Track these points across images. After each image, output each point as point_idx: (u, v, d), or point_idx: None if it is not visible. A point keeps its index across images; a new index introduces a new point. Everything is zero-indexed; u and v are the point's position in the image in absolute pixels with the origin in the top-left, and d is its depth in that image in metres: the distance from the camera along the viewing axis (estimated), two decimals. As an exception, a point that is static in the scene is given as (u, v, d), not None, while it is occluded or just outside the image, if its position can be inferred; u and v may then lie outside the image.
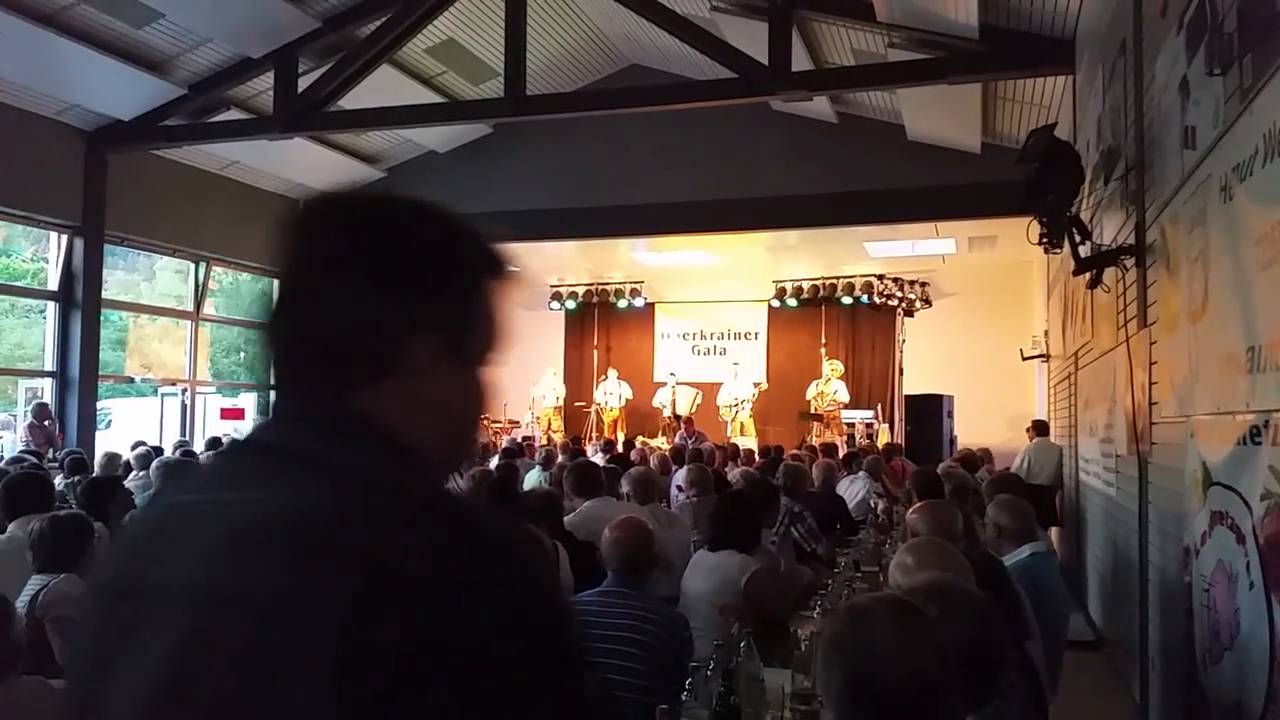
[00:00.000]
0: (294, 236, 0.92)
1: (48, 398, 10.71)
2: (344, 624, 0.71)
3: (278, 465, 0.85)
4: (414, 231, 0.91)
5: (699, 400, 15.38)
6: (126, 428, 12.37)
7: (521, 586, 0.79)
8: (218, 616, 0.76)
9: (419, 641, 0.72)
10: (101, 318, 11.15)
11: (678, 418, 15.04)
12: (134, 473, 7.50)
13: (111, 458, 7.74)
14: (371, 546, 0.75)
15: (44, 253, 11.34)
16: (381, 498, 0.80)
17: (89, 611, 0.90)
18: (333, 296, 0.88)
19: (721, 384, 15.27)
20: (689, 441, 12.07)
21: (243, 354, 15.35)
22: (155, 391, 12.89)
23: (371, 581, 0.73)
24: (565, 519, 5.11)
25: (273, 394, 0.94)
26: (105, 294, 11.23)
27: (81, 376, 10.69)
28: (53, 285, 10.85)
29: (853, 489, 7.94)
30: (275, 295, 0.92)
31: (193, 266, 12.83)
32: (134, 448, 8.62)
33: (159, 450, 8.68)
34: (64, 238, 10.84)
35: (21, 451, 8.75)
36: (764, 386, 15.14)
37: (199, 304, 12.91)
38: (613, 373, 16.07)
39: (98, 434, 11.02)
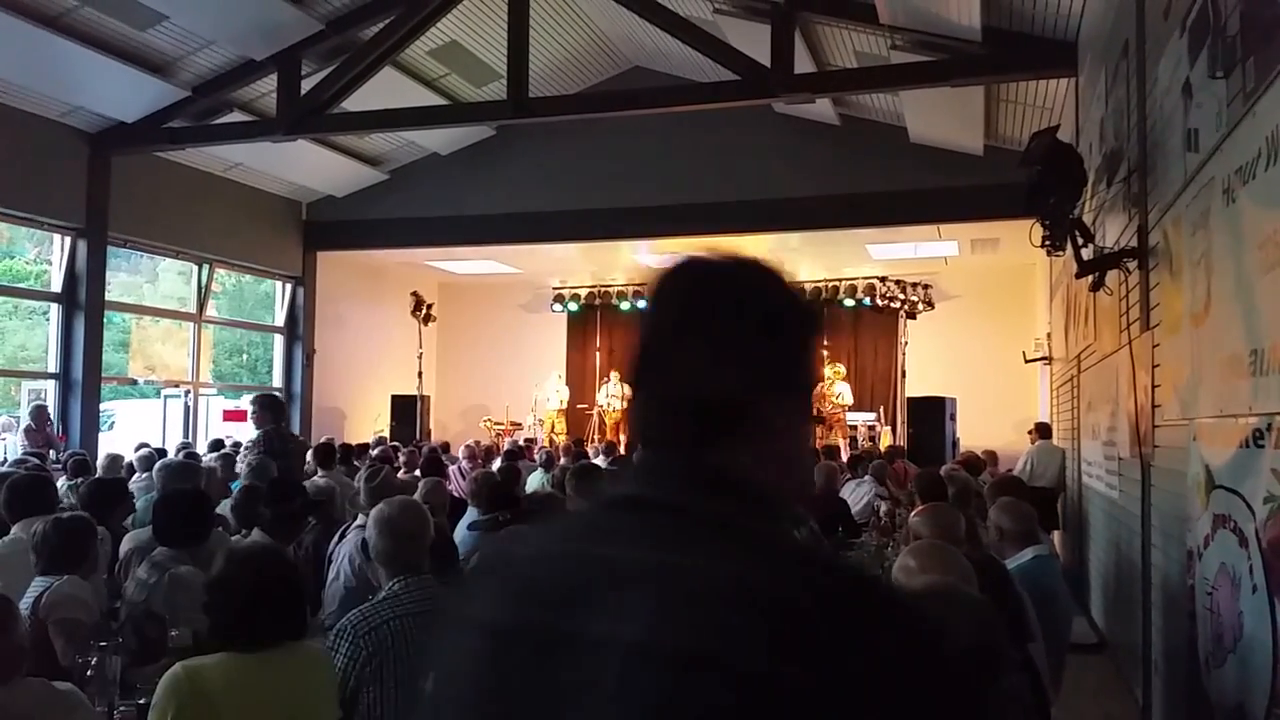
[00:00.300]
0: (661, 299, 1.00)
1: (51, 399, 10.72)
2: (821, 701, 0.75)
3: (669, 523, 0.89)
4: (766, 295, 0.98)
5: None
6: (129, 429, 12.39)
7: (928, 638, 0.84)
8: (691, 680, 0.76)
9: None
10: (104, 319, 11.16)
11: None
12: (136, 474, 7.51)
13: (114, 459, 7.74)
14: (838, 627, 0.79)
15: (47, 255, 11.36)
16: (812, 569, 0.85)
17: (467, 650, 0.91)
18: (698, 358, 0.94)
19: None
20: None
21: (245, 356, 15.38)
22: (158, 393, 12.91)
23: (842, 667, 0.77)
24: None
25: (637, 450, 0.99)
26: (108, 296, 11.24)
27: (84, 378, 10.70)
28: (56, 287, 10.87)
29: (858, 493, 7.93)
30: (637, 355, 0.99)
31: (195, 268, 12.85)
32: (137, 449, 8.64)
33: (162, 452, 8.69)
34: (67, 239, 10.86)
35: (25, 453, 8.76)
36: None
37: (202, 306, 12.93)
38: (615, 375, 16.06)
39: (100, 436, 11.03)
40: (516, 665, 0.85)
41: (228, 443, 10.15)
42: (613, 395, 15.78)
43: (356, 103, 10.09)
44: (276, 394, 7.67)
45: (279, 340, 14.28)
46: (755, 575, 0.81)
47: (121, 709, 2.70)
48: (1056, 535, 9.05)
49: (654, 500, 0.91)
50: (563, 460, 8.81)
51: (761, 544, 0.87)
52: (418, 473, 7.59)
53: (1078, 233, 5.47)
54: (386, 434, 13.37)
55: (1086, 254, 5.52)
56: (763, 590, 0.80)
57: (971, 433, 12.76)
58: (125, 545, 4.47)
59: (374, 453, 9.57)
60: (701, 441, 0.92)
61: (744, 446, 0.93)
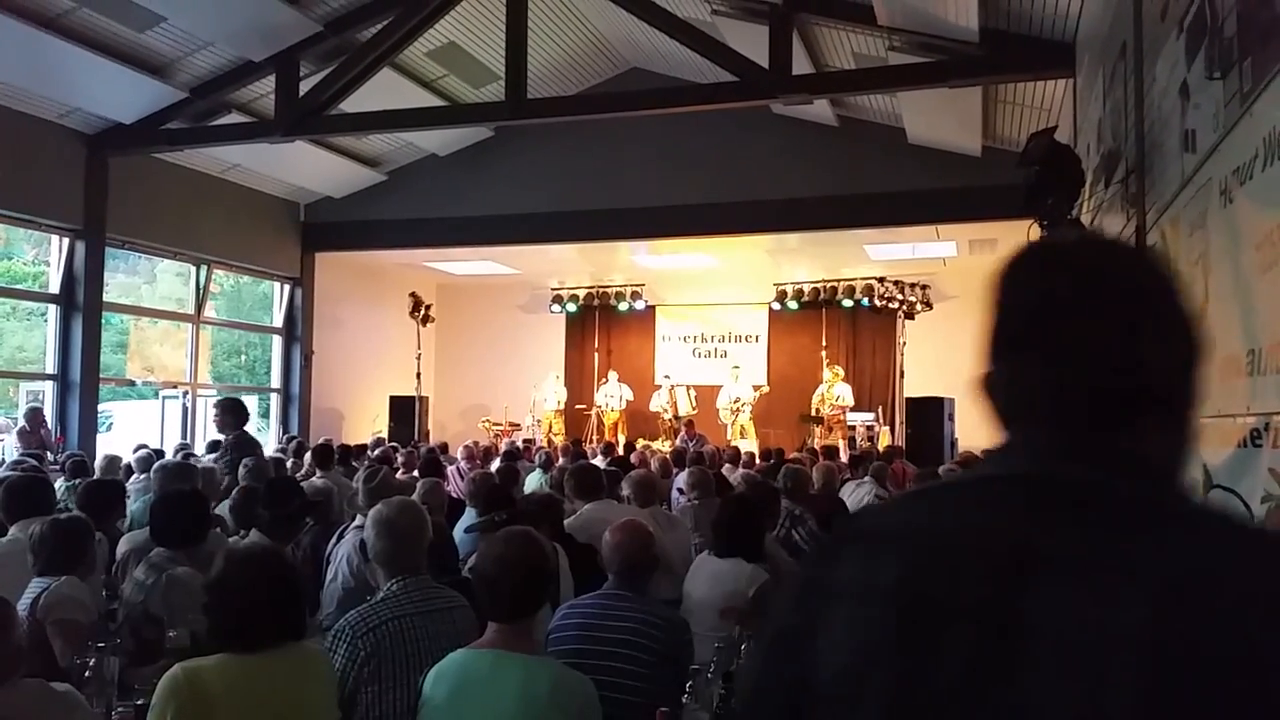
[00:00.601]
0: (1048, 274, 0.98)
1: (48, 401, 10.71)
2: None
3: (1100, 504, 0.86)
4: (1167, 275, 0.97)
5: (694, 399, 15.37)
6: (127, 431, 12.38)
7: None
8: (1212, 679, 0.75)
9: None
10: (102, 321, 11.16)
11: (678, 419, 15.05)
12: (134, 476, 7.50)
13: (112, 460, 7.73)
14: None
15: (45, 256, 11.35)
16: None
17: (879, 621, 0.88)
18: (1117, 337, 0.91)
19: (721, 386, 15.27)
20: (690, 444, 12.06)
21: (243, 357, 15.37)
22: (156, 394, 12.90)
23: None
24: (566, 521, 5.11)
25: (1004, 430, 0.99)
26: (106, 297, 11.23)
27: (82, 379, 10.70)
28: (54, 288, 10.86)
29: (857, 494, 7.92)
30: (1018, 330, 0.97)
31: (194, 269, 12.84)
32: (135, 451, 8.63)
33: (160, 453, 8.68)
34: (65, 241, 10.85)
35: (22, 454, 8.75)
36: (765, 389, 15.13)
37: (200, 307, 12.92)
38: (613, 375, 16.07)
39: (99, 437, 11.02)
40: (955, 640, 0.83)
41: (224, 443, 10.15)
42: (611, 395, 15.79)
43: (355, 104, 10.09)
44: (239, 398, 7.64)
45: (277, 341, 14.27)
46: (1253, 565, 0.80)
47: (119, 710, 2.70)
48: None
49: (1067, 480, 0.88)
50: (561, 461, 8.80)
51: (1229, 529, 0.86)
52: (416, 473, 7.59)
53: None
54: (385, 435, 13.36)
55: (1084, 254, 5.52)
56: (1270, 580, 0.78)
57: (970, 433, 12.76)
58: (123, 546, 4.47)
59: (373, 454, 9.57)
60: (1108, 423, 0.89)
61: (1155, 428, 0.90)
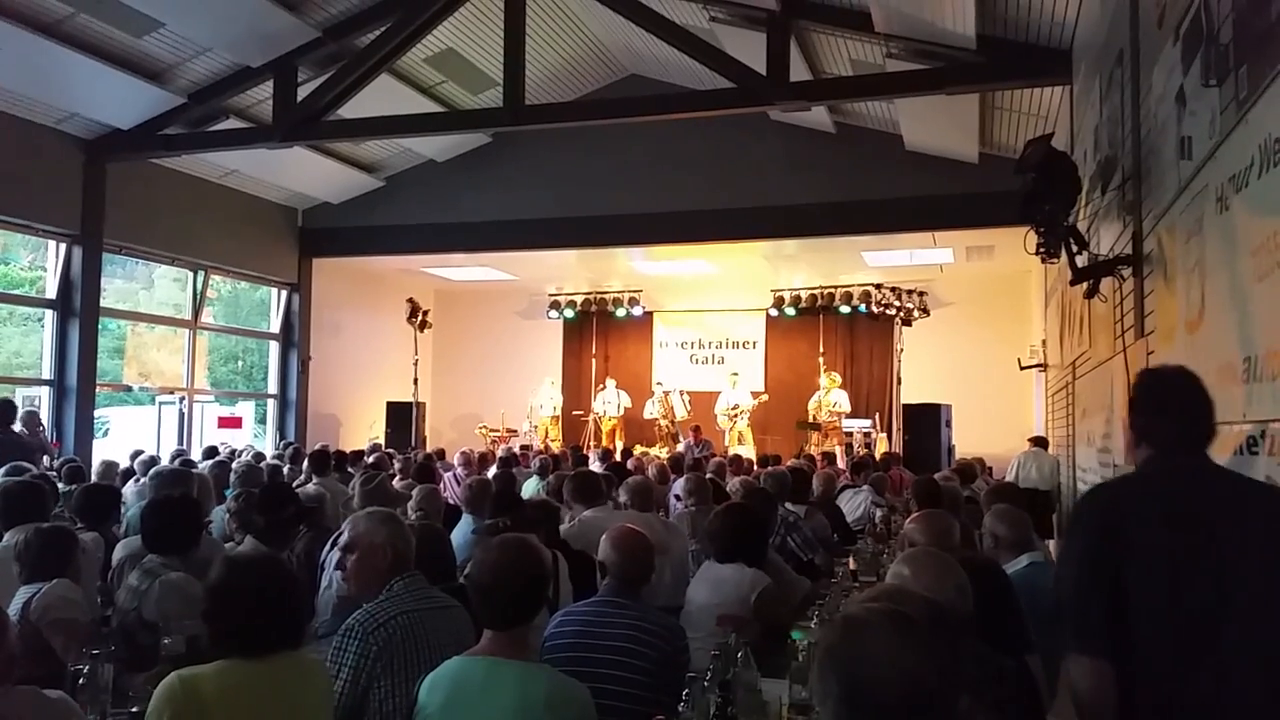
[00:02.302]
0: (1174, 395, 2.45)
1: (45, 406, 10.69)
2: None
3: (1224, 475, 2.34)
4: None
5: (689, 403, 15.37)
6: (124, 436, 12.35)
7: None
8: None
9: None
10: (99, 326, 11.14)
11: (674, 424, 15.04)
12: (131, 481, 7.48)
13: (109, 466, 7.71)
14: None
15: (42, 261, 11.34)
16: None
17: (1163, 532, 2.13)
18: (1204, 414, 2.31)
19: (720, 392, 15.27)
20: (696, 451, 12.05)
21: (240, 362, 15.36)
22: (153, 400, 12.87)
23: None
24: (565, 527, 5.11)
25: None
26: (103, 302, 11.22)
27: (79, 385, 10.68)
28: (51, 293, 10.85)
29: (854, 501, 7.92)
30: (1171, 413, 2.36)
31: (191, 275, 12.83)
32: (133, 457, 8.60)
33: (155, 459, 8.66)
34: (62, 246, 10.84)
35: (20, 460, 8.71)
36: (765, 397, 15.13)
37: (197, 312, 12.91)
38: (611, 382, 16.07)
39: (95, 443, 11.00)
40: (1191, 540, 2.08)
41: (223, 449, 10.13)
42: (608, 402, 15.78)
43: (353, 110, 10.09)
44: (8, 397, 7.55)
45: (274, 347, 14.26)
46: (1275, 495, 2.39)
47: (114, 717, 2.69)
48: (1052, 543, 9.03)
49: (1196, 467, 2.22)
50: (560, 467, 8.79)
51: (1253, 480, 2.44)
52: (412, 480, 7.58)
53: (1072, 240, 5.47)
54: (381, 441, 13.34)
55: (1081, 261, 5.53)
56: None
57: (967, 439, 12.77)
58: (118, 552, 4.45)
59: (369, 460, 9.55)
60: (1200, 449, 2.24)
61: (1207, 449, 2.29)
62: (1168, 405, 2.25)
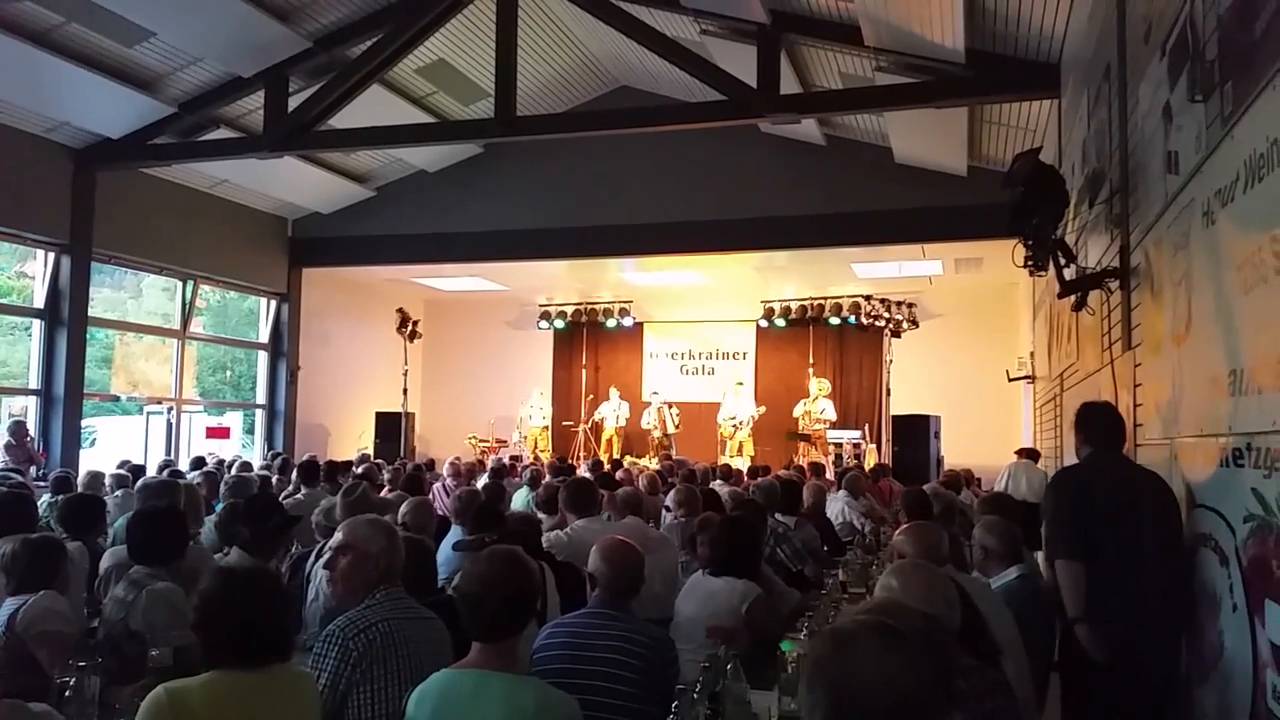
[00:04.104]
0: None
1: (32, 416, 10.63)
2: None
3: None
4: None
5: (678, 418, 15.36)
6: (111, 446, 12.28)
7: None
8: None
9: None
10: (87, 335, 11.09)
11: (667, 436, 15.04)
12: (114, 491, 7.42)
13: (95, 476, 7.66)
14: None
15: (30, 270, 11.29)
16: None
17: (1129, 489, 3.64)
18: (1120, 435, 4.03)
19: (720, 403, 15.27)
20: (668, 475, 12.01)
21: (229, 372, 15.30)
22: (141, 410, 12.81)
23: None
24: (558, 534, 5.11)
25: None
26: (91, 312, 11.18)
27: (66, 395, 10.63)
28: (39, 303, 10.80)
29: (834, 506, 7.87)
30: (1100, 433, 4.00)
31: (180, 285, 12.80)
32: (119, 467, 8.56)
33: (142, 469, 8.61)
34: (51, 255, 10.80)
35: (5, 469, 8.67)
36: (763, 410, 15.16)
37: (186, 322, 12.87)
38: (614, 391, 16.04)
39: (82, 452, 10.94)
40: (1125, 498, 3.57)
41: (210, 460, 10.08)
42: (615, 412, 15.74)
43: (344, 120, 10.10)
44: None
45: (263, 357, 14.22)
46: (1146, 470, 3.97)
47: (99, 729, 2.67)
48: (1040, 555, 9.04)
49: (1119, 460, 3.89)
50: (548, 478, 8.76)
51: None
52: (402, 491, 7.54)
53: (1060, 253, 5.51)
54: (370, 451, 13.30)
55: (1069, 274, 5.56)
56: None
57: (956, 450, 12.80)
58: (105, 563, 4.42)
59: (358, 470, 9.51)
60: (1120, 448, 4.05)
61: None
62: (1101, 422, 3.90)
